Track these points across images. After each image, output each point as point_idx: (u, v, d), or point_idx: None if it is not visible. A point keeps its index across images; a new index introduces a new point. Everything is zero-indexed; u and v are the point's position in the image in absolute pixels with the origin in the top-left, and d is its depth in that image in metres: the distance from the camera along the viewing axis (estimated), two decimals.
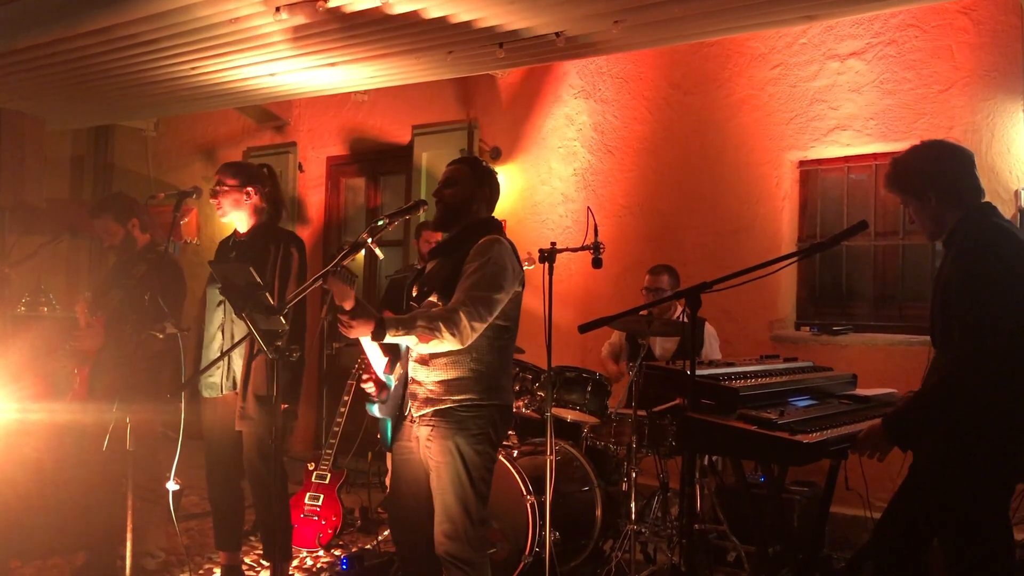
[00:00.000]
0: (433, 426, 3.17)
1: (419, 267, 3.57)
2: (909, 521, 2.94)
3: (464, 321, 3.01)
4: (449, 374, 3.16)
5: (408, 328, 2.98)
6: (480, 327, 3.07)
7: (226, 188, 4.11)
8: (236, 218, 4.17)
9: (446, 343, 3.03)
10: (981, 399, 2.77)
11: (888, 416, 2.95)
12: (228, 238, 4.28)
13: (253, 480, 4.05)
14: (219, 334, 4.07)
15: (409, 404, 3.26)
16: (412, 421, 3.25)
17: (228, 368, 4.03)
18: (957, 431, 2.82)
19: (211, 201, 4.17)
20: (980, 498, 2.83)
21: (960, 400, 2.79)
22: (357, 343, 3.27)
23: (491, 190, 3.41)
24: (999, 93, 4.98)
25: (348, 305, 2.95)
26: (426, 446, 3.19)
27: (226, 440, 4.07)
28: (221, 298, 4.02)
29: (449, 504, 3.14)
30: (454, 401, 3.15)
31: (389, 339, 3.01)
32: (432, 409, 3.17)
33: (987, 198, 3.05)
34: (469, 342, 3.06)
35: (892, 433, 2.91)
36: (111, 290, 4.58)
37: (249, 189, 4.12)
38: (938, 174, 2.98)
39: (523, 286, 3.33)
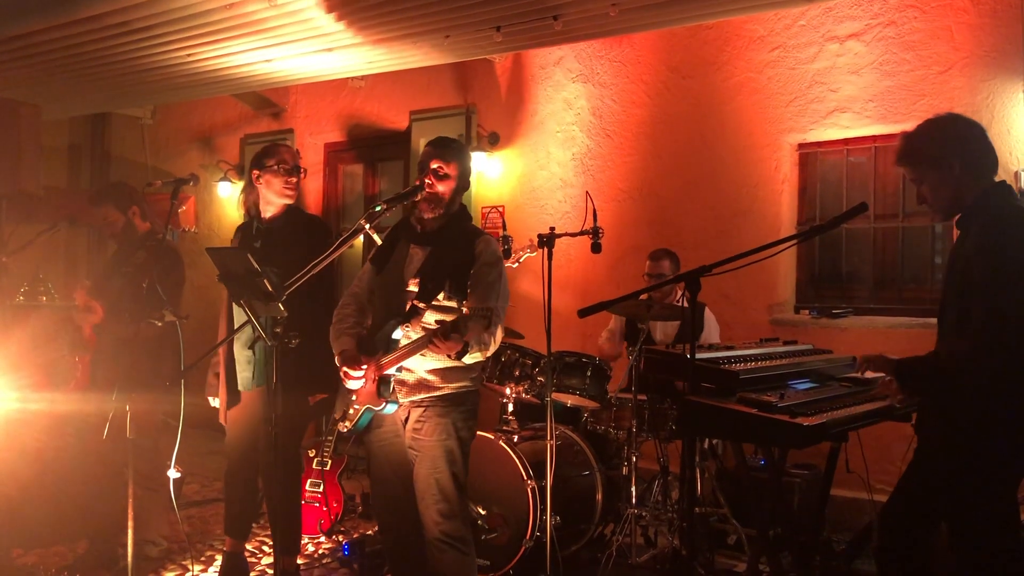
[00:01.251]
0: (427, 407, 3.22)
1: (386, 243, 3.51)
2: (915, 504, 2.92)
3: (499, 335, 3.20)
4: (444, 363, 3.21)
5: (481, 347, 3.13)
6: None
7: (300, 168, 4.09)
8: (284, 203, 4.09)
9: (488, 353, 3.22)
10: (997, 385, 2.73)
11: (903, 360, 2.95)
12: (247, 225, 4.16)
13: (269, 473, 4.02)
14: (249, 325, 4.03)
15: (393, 389, 3.26)
16: (398, 405, 3.28)
17: (254, 362, 3.98)
18: (967, 415, 2.78)
19: (291, 180, 4.05)
20: (988, 482, 2.81)
21: (975, 384, 2.75)
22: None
23: (470, 176, 3.45)
24: (999, 74, 4.96)
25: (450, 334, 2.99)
26: (414, 428, 3.22)
27: (249, 432, 4.04)
28: None
29: (444, 483, 3.19)
30: (451, 388, 3.25)
31: (467, 359, 3.12)
32: (426, 394, 3.23)
33: None
34: None
35: (902, 376, 2.92)
36: (111, 278, 4.57)
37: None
38: (963, 142, 2.92)
39: None
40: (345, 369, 3.27)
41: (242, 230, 4.20)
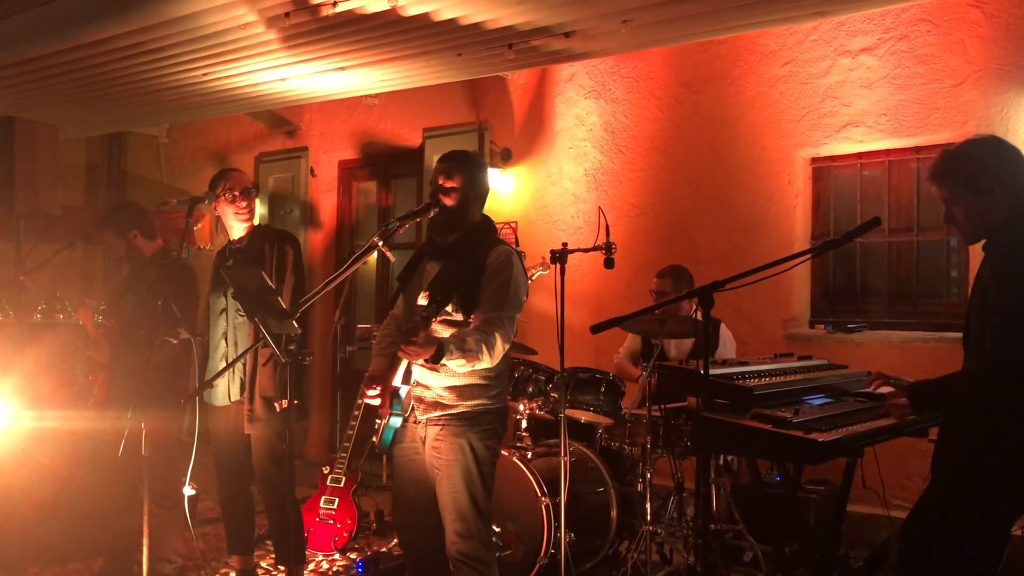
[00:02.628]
0: (443, 425, 3.19)
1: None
2: (934, 519, 2.88)
3: (499, 344, 3.10)
4: (461, 380, 3.18)
5: (462, 351, 3.02)
6: (508, 346, 3.17)
7: (250, 190, 4.14)
8: (246, 225, 4.16)
9: (484, 363, 3.10)
10: (1008, 404, 2.70)
11: (916, 383, 2.96)
12: (224, 248, 4.27)
13: (264, 484, 4.06)
14: (223, 342, 4.08)
15: (412, 406, 3.26)
16: (416, 423, 3.26)
17: (234, 375, 4.04)
18: (980, 433, 2.75)
19: (241, 204, 4.11)
20: (995, 494, 2.77)
21: (986, 402, 2.73)
22: (371, 346, 3.30)
23: (486, 187, 3.41)
24: (1013, 87, 4.94)
25: (420, 338, 2.93)
26: (433, 446, 3.20)
27: (235, 446, 4.08)
28: (224, 306, 4.06)
29: (461, 502, 3.16)
30: (466, 406, 3.20)
31: (445, 362, 3.03)
32: (442, 412, 3.19)
33: None
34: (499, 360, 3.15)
35: (914, 397, 2.92)
36: (125, 296, 4.61)
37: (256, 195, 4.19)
38: (1007, 166, 2.83)
39: (527, 296, 3.37)
40: (363, 388, 3.30)
41: (219, 255, 4.30)
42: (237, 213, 4.10)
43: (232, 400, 4.05)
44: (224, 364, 4.02)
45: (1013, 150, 2.91)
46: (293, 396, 3.98)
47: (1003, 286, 2.70)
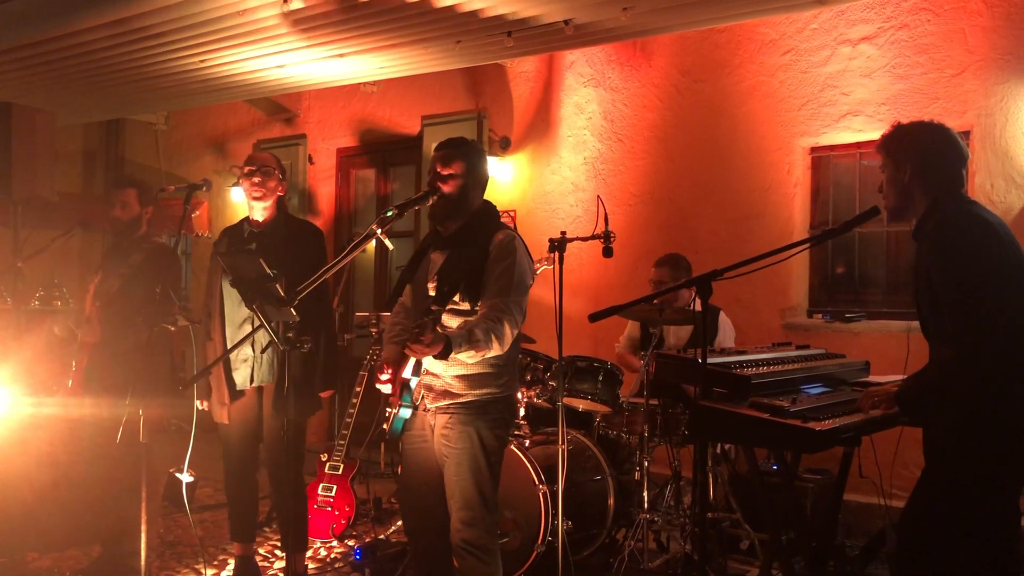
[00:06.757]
0: (452, 414, 3.19)
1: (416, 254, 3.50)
2: (926, 508, 2.90)
3: (508, 331, 3.09)
4: (470, 369, 3.18)
5: (470, 344, 3.00)
6: (517, 332, 3.16)
7: (271, 169, 4.12)
8: (263, 205, 4.12)
9: (494, 352, 3.09)
10: (991, 386, 2.72)
11: (901, 391, 2.97)
12: (236, 228, 4.23)
13: (274, 471, 4.06)
14: (248, 325, 4.03)
15: (423, 395, 3.26)
16: (425, 411, 3.26)
17: (261, 361, 4.02)
18: (961, 418, 2.76)
19: (254, 180, 4.07)
20: (986, 481, 2.78)
21: (964, 386, 2.74)
22: (371, 335, 3.30)
23: (485, 174, 3.37)
24: (1013, 76, 4.93)
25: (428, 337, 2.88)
26: (442, 434, 3.20)
27: (246, 432, 4.07)
28: None
29: (467, 490, 3.16)
30: (475, 395, 3.20)
31: (455, 356, 3.00)
32: (451, 401, 3.20)
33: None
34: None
35: (903, 404, 2.94)
36: (107, 278, 4.58)
37: (283, 180, 4.17)
38: (924, 151, 2.93)
39: (533, 279, 3.34)
40: (378, 375, 3.30)
41: (228, 233, 4.25)
42: (252, 189, 4.08)
43: (252, 384, 4.04)
44: (251, 348, 4.00)
45: (951, 143, 2.95)
46: (329, 385, 4.07)
47: (944, 272, 2.75)
